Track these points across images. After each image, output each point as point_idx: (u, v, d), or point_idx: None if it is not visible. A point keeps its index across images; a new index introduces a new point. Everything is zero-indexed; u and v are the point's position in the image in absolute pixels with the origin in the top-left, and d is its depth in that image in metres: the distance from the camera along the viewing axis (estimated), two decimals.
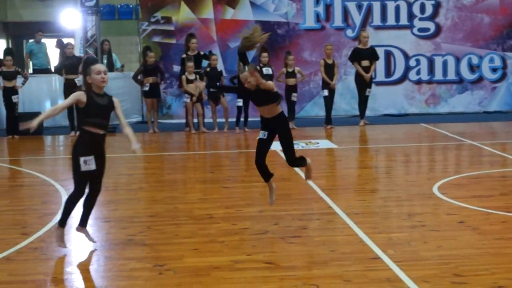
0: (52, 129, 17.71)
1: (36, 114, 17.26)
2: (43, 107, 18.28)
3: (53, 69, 20.30)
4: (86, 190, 7.48)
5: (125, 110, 16.77)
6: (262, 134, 8.34)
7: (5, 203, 9.93)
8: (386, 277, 6.53)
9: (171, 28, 18.65)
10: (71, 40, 19.07)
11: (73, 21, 20.50)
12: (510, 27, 19.30)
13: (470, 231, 8.02)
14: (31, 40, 22.17)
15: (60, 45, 20.29)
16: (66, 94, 16.79)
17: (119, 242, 7.87)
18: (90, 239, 7.63)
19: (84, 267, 7.12)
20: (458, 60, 19.33)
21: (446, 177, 11.06)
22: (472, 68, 19.39)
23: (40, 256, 7.41)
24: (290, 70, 17.01)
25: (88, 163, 7.13)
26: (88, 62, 7.28)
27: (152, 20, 18.64)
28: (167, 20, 18.64)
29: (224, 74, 17.43)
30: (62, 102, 7.38)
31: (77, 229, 7.67)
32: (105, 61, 18.96)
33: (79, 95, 7.27)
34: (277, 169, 12.11)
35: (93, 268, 7.09)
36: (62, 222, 7.47)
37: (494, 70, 19.43)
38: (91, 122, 7.22)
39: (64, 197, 10.09)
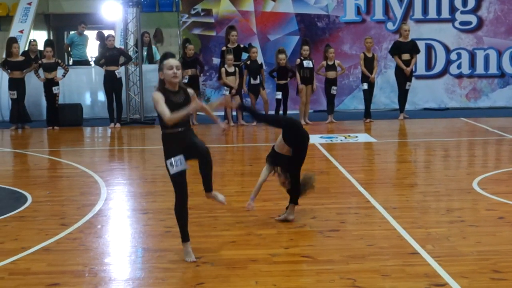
0: (91, 121, 17.85)
1: (76, 105, 17.49)
2: (83, 99, 18.44)
3: (92, 61, 20.47)
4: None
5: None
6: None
7: (44, 194, 10.03)
8: (424, 273, 6.50)
9: (211, 20, 18.70)
10: (112, 32, 19.16)
11: (114, 13, 20.59)
12: None
13: (509, 227, 7.95)
14: (73, 32, 22.33)
15: (100, 37, 20.41)
16: (106, 86, 16.93)
17: (157, 234, 7.92)
18: (220, 201, 7.17)
19: (122, 259, 7.17)
20: (500, 54, 19.14)
21: (486, 172, 10.97)
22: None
23: (78, 246, 7.48)
24: (330, 63, 16.95)
25: (176, 164, 6.75)
26: (162, 57, 6.88)
27: (193, 12, 18.70)
28: (207, 13, 18.68)
29: (264, 67, 17.41)
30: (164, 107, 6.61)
31: (206, 196, 7.16)
32: (145, 53, 19.08)
33: (158, 95, 6.72)
34: (316, 163, 12.13)
35: (131, 259, 7.14)
36: (183, 237, 6.97)
37: None
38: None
39: (104, 189, 10.19)
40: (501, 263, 6.70)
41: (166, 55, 6.82)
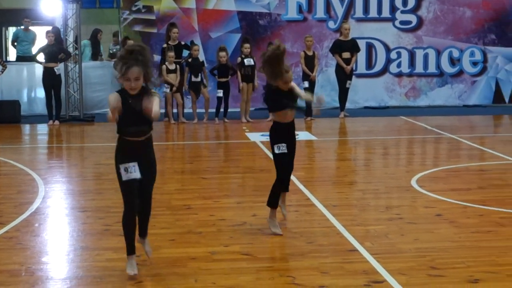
0: (30, 118, 17.61)
1: (14, 102, 17.21)
2: (22, 95, 18.17)
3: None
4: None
5: (104, 99, 16.78)
6: (283, 148, 7.62)
7: None
8: (363, 269, 6.54)
9: (153, 17, 18.59)
10: (51, 28, 18.90)
11: (53, 9, 20.35)
12: (491, 21, 19.37)
13: (447, 224, 8.05)
14: (18, 27, 22.02)
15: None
16: (45, 83, 16.69)
17: (95, 232, 7.84)
18: (146, 251, 6.73)
19: (59, 257, 7.09)
20: (439, 54, 19.39)
21: (425, 170, 11.10)
22: (452, 61, 19.46)
23: (15, 245, 7.37)
24: None
25: (130, 171, 6.29)
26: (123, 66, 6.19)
27: (134, 9, 18.57)
28: (149, 9, 18.57)
29: (206, 64, 17.36)
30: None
31: (136, 239, 6.58)
32: (88, 50, 18.99)
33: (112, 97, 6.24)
34: (256, 161, 12.15)
35: (68, 258, 7.06)
36: (128, 250, 6.43)
37: (474, 63, 19.50)
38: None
39: (41, 187, 10.06)
40: (438, 260, 6.78)
41: (129, 66, 6.10)
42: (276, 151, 7.62)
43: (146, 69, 6.20)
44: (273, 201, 7.77)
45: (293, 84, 7.74)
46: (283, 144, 7.60)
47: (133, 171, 6.29)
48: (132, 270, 6.38)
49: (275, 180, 7.74)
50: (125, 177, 6.29)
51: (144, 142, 6.35)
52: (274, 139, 7.66)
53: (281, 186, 7.79)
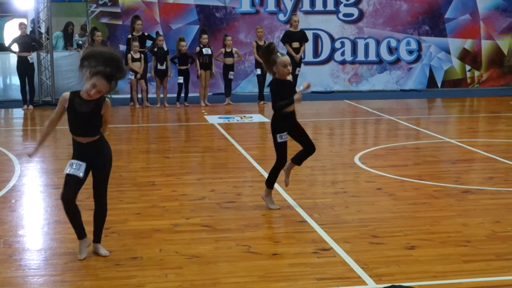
0: (5, 103, 17.35)
1: None
2: None
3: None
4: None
5: (73, 87, 16.58)
6: (285, 136, 7.58)
7: None
8: (311, 238, 6.58)
9: (118, 10, 18.39)
10: (24, 20, 18.61)
11: (26, 2, 20.05)
12: (425, 14, 19.49)
13: (386, 197, 8.12)
14: None
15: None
16: (19, 71, 16.45)
17: None
18: (102, 254, 6.21)
19: (35, 230, 7.02)
20: (378, 43, 19.49)
21: (366, 149, 11.17)
22: (390, 50, 19.57)
23: None
24: (228, 50, 16.93)
25: (73, 167, 6.03)
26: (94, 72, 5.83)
27: (100, 2, 18.33)
28: (114, 3, 18.36)
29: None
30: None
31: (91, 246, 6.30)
32: (60, 41, 18.76)
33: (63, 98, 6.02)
34: (214, 141, 12.13)
35: (43, 231, 7.00)
36: (77, 235, 6.18)
37: (410, 52, 19.63)
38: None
39: (17, 166, 9.95)
40: (379, 229, 6.85)
41: (102, 76, 5.79)
42: (279, 140, 7.55)
43: (114, 86, 5.90)
44: (271, 183, 7.72)
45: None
46: (285, 133, 7.55)
47: (77, 169, 5.98)
48: (80, 254, 6.12)
49: (275, 164, 7.67)
50: (67, 169, 6.04)
51: (92, 144, 5.97)
52: (276, 129, 7.57)
53: (280, 168, 7.69)
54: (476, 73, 19.89)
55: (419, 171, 9.55)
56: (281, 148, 7.61)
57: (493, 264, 5.90)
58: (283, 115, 7.54)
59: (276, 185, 8.60)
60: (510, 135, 12.56)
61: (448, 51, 19.69)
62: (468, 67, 19.82)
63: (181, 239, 6.63)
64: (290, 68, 7.45)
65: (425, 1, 19.45)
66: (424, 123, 14.11)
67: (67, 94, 6.03)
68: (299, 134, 7.71)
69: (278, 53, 7.46)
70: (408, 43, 19.57)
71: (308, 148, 7.76)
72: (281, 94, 7.43)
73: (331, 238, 6.57)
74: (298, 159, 7.84)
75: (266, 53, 7.51)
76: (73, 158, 6.06)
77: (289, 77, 7.51)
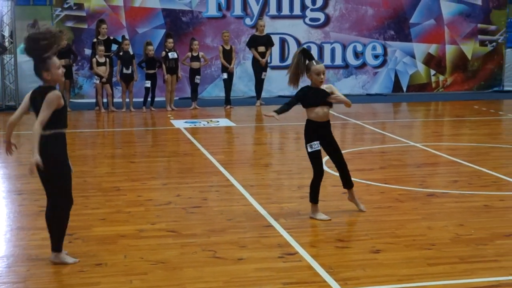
0: None
1: None
2: None
3: None
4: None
5: None
6: (316, 145, 7.48)
7: None
8: (277, 243, 6.58)
9: (83, 14, 18.26)
10: None
11: None
12: (390, 18, 19.62)
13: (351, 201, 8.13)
14: None
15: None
16: None
17: (31, 213, 7.69)
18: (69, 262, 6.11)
19: None
20: (344, 48, 19.57)
21: None
22: (356, 54, 19.66)
23: None
24: (194, 54, 16.89)
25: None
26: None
27: (65, 6, 18.19)
28: (79, 7, 18.23)
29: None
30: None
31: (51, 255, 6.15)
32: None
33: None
34: (180, 145, 12.08)
35: (6, 237, 6.91)
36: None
37: (376, 57, 19.74)
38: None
39: None
40: (344, 233, 6.87)
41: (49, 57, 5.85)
42: (309, 149, 7.43)
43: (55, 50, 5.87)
44: (314, 197, 7.52)
45: (332, 88, 7.59)
46: (315, 142, 7.39)
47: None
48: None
49: (313, 177, 7.55)
50: None
51: (42, 140, 5.80)
52: (307, 138, 7.47)
53: (318, 181, 7.52)
54: (441, 77, 20.07)
55: (384, 175, 9.59)
56: (313, 159, 7.46)
57: (457, 267, 5.94)
58: (314, 125, 7.45)
59: (242, 189, 8.61)
60: (474, 138, 12.68)
61: (413, 56, 19.84)
62: (433, 72, 19.99)
63: (146, 244, 6.58)
64: (323, 77, 7.40)
65: (391, 6, 19.58)
66: (390, 127, 14.19)
67: (58, 92, 5.90)
68: (331, 148, 7.57)
69: (314, 61, 7.39)
70: (373, 48, 19.68)
71: (339, 165, 7.63)
72: (302, 99, 7.45)
73: (297, 242, 6.57)
74: (345, 183, 7.70)
75: (300, 59, 7.41)
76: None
77: (323, 86, 7.44)
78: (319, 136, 7.46)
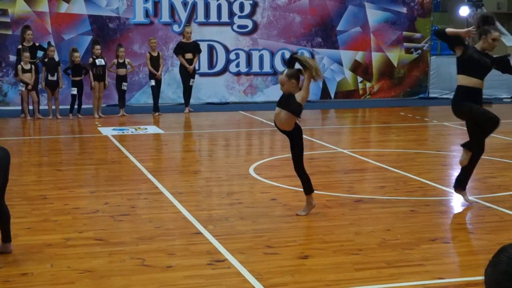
0: None
1: None
2: None
3: None
4: None
5: None
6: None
7: None
8: (206, 250, 6.58)
9: (7, 20, 17.95)
10: None
11: None
12: (318, 26, 19.85)
13: (281, 207, 8.20)
14: None
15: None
16: None
17: None
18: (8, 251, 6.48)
19: None
20: (272, 54, 19.72)
21: (261, 159, 11.27)
22: (285, 61, 19.80)
23: None
24: (121, 61, 16.79)
25: None
26: None
27: None
28: (3, 12, 17.92)
29: (60, 64, 16.94)
30: None
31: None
32: None
33: None
34: (108, 153, 11.98)
35: None
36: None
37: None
38: None
39: None
40: (273, 239, 6.91)
41: None
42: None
43: None
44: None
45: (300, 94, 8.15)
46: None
47: None
48: None
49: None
50: None
51: None
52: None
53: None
54: (368, 84, 20.40)
55: (312, 181, 9.61)
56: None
57: (384, 272, 6.04)
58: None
59: (171, 197, 8.59)
60: (400, 145, 12.92)
61: (340, 63, 20.12)
62: (360, 79, 20.30)
63: (73, 253, 6.50)
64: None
65: (318, 14, 19.81)
66: (318, 133, 14.34)
67: None
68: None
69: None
70: (301, 55, 19.83)
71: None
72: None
73: (226, 249, 6.58)
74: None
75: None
76: None
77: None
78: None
